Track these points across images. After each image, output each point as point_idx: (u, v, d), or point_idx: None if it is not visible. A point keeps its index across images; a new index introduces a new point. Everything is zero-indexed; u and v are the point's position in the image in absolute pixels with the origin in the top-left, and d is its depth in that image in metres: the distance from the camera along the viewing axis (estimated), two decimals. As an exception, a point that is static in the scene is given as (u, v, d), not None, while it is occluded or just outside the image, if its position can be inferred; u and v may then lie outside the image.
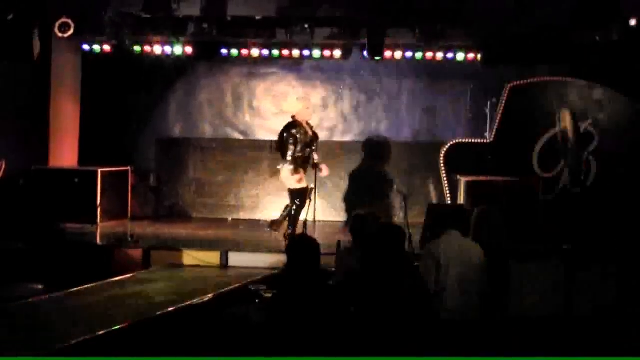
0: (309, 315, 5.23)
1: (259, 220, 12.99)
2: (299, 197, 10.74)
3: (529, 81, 12.77)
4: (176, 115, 14.62)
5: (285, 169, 10.83)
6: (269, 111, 14.38)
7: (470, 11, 12.05)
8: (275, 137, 10.96)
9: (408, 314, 5.44)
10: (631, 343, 6.93)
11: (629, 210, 11.75)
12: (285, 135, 10.85)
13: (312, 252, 5.56)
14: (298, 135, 10.77)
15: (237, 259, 10.56)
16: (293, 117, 10.97)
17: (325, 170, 10.93)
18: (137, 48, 13.24)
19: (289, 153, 10.75)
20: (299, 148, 10.76)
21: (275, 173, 11.38)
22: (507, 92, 12.57)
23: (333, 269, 7.81)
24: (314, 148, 10.90)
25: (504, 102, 12.56)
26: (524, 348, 6.51)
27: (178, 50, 13.19)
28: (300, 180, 10.80)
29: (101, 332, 6.60)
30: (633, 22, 11.85)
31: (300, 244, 5.66)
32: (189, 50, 13.22)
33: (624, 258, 9.51)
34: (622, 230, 11.08)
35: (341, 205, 13.93)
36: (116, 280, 9.15)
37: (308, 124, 11.03)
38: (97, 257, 10.30)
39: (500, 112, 12.60)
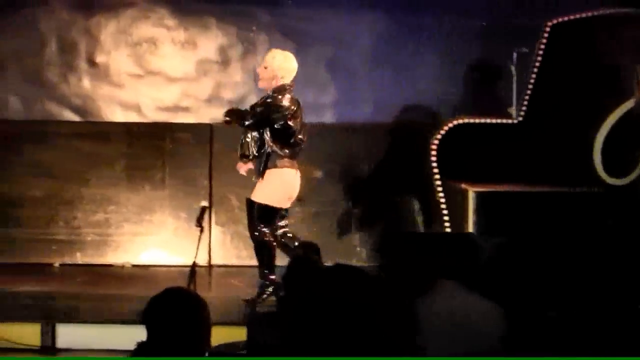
0: None
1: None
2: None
3: (579, 16, 7.82)
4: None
5: None
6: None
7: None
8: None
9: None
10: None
11: None
12: None
13: (190, 320, 3.28)
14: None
15: (70, 334, 7.00)
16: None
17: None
18: None
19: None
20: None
21: None
22: (546, 34, 7.69)
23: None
24: None
25: (541, 52, 7.66)
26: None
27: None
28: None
29: None
30: None
31: (166, 305, 3.30)
32: None
33: None
34: None
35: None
36: None
37: None
38: None
39: (536, 70, 7.66)
